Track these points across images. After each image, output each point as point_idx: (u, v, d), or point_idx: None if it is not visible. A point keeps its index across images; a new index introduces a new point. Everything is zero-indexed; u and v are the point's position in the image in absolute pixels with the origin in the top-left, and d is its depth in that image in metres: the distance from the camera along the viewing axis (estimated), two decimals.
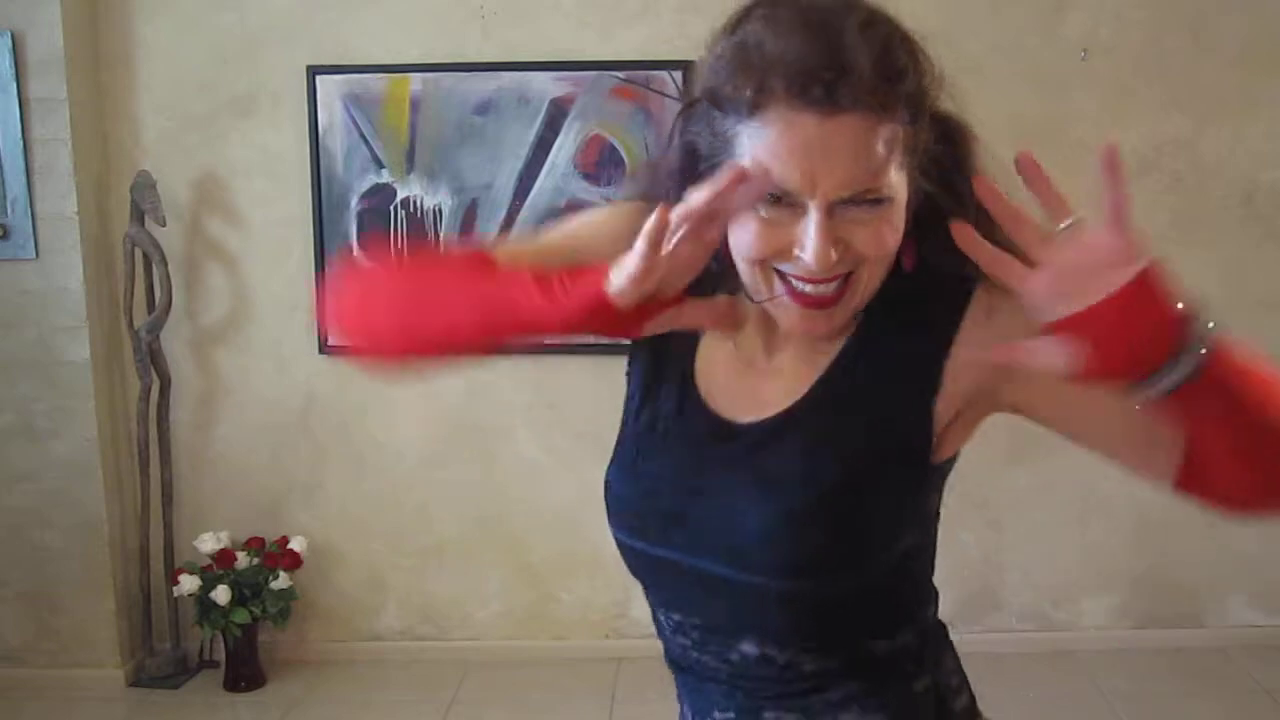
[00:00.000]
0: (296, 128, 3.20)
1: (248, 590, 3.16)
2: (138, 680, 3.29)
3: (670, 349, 1.07)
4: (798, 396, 1.00)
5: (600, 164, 3.17)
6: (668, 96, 3.14)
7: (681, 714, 1.20)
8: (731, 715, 1.08)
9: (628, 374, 1.15)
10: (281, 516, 3.36)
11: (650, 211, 0.86)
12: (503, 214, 3.20)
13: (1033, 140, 3.37)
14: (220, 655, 3.27)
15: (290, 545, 3.26)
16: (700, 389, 1.05)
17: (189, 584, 3.15)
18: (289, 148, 3.22)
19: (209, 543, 3.20)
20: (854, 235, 0.89)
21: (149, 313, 3.19)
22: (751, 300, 0.97)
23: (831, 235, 0.87)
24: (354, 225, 3.22)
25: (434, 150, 3.19)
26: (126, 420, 3.31)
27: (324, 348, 3.28)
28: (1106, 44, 3.15)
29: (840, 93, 0.85)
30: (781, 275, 0.92)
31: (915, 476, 0.99)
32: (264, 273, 3.29)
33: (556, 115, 3.16)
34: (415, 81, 3.16)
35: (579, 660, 3.35)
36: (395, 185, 3.21)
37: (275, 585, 3.17)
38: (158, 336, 3.20)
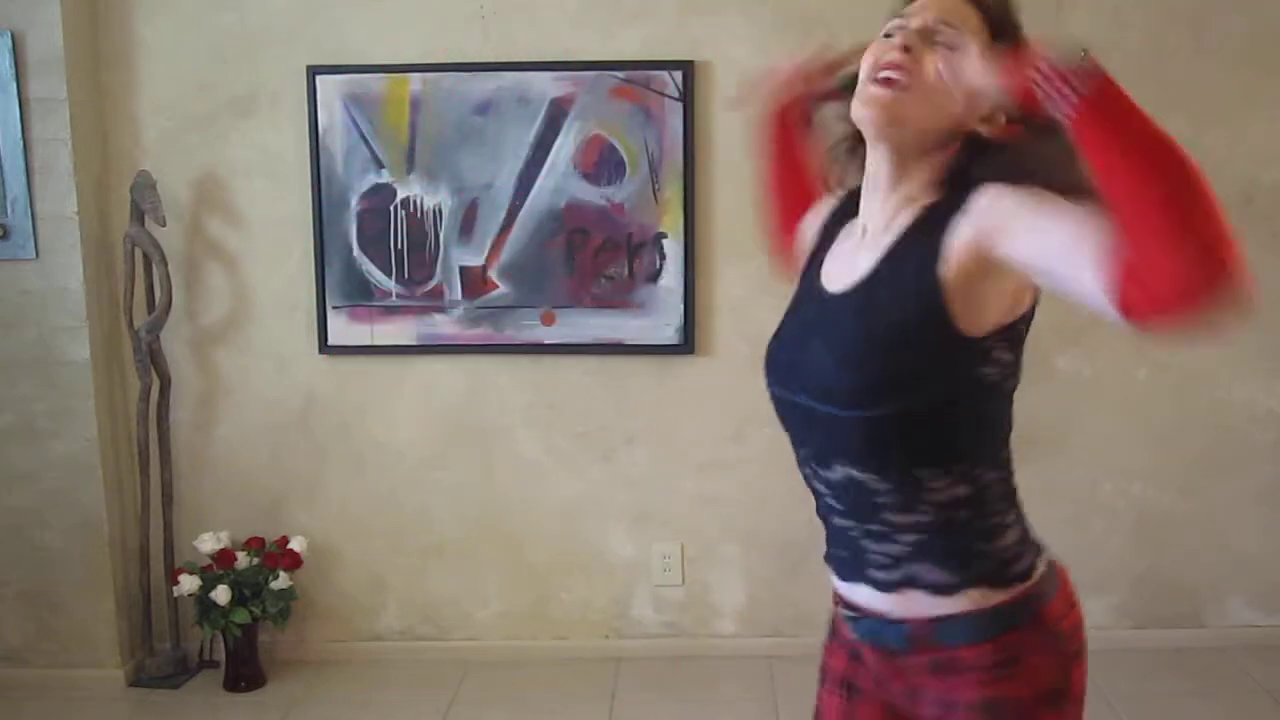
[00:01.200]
0: (296, 128, 3.20)
1: (248, 590, 3.16)
2: (138, 680, 3.29)
3: (817, 245, 1.43)
4: (868, 271, 1.29)
5: (600, 164, 3.17)
6: (668, 96, 3.14)
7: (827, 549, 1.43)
8: (846, 551, 1.37)
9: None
10: (281, 516, 3.36)
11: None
12: (503, 214, 3.20)
13: None
14: (220, 655, 3.27)
15: (290, 545, 3.26)
16: (823, 269, 1.39)
17: (189, 584, 3.15)
18: (289, 148, 3.22)
19: (209, 543, 3.20)
20: (923, 54, 1.25)
21: (149, 313, 3.19)
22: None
23: (911, 42, 1.26)
24: (354, 225, 3.22)
25: (434, 150, 3.19)
26: (126, 420, 3.31)
27: (324, 348, 3.28)
28: (1106, 44, 3.15)
29: None
30: (863, 85, 1.29)
31: (945, 336, 1.22)
32: (264, 273, 3.29)
33: (556, 115, 3.16)
34: (415, 81, 3.16)
35: (579, 660, 3.35)
36: (395, 185, 3.21)
37: (275, 585, 3.17)
38: (158, 336, 3.20)
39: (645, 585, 3.41)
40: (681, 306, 3.23)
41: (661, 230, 3.20)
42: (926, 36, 1.26)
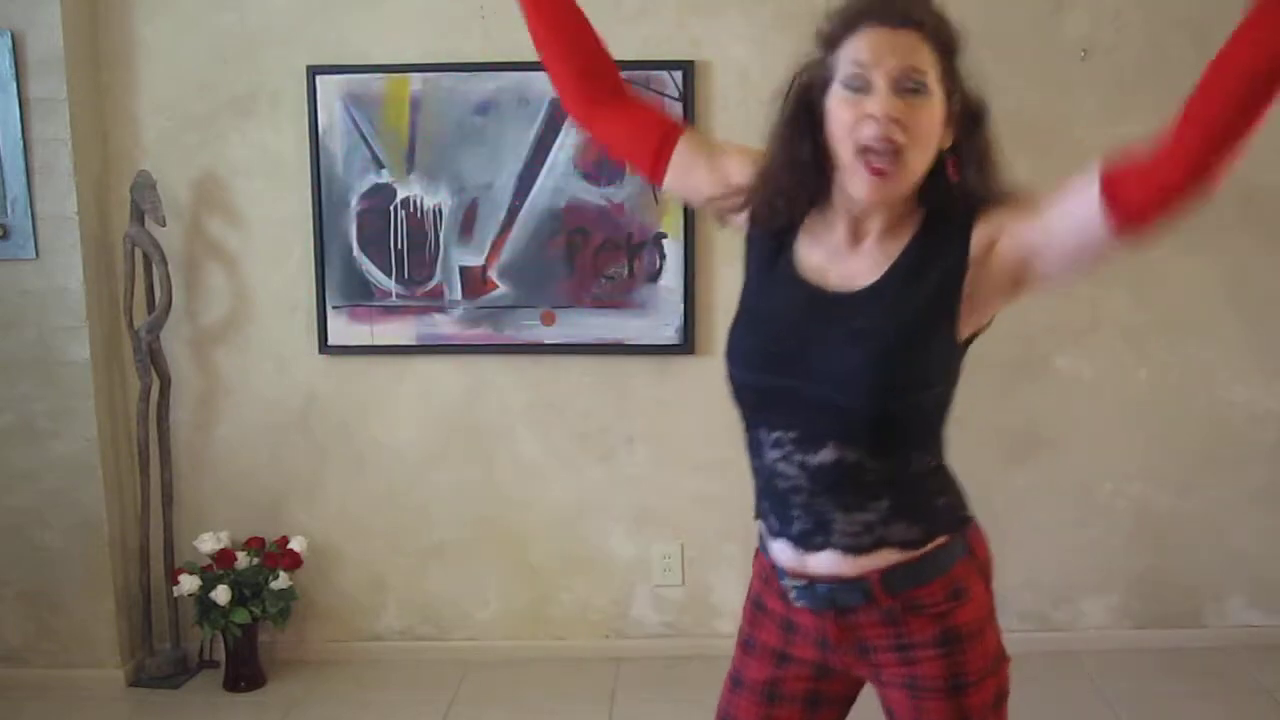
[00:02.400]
0: (296, 128, 3.20)
1: (248, 590, 3.16)
2: (138, 680, 3.29)
3: (778, 245, 1.49)
4: (879, 276, 1.41)
5: (600, 164, 3.17)
6: (668, 96, 3.14)
7: (765, 540, 1.55)
8: (810, 524, 1.44)
9: (745, 263, 1.56)
10: (281, 516, 3.36)
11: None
12: (503, 214, 3.20)
13: (1033, 140, 3.40)
14: (220, 655, 3.27)
15: (290, 545, 3.26)
16: (801, 270, 1.46)
17: (189, 584, 3.15)
18: (289, 148, 3.22)
19: (209, 543, 3.20)
20: (904, 115, 1.33)
21: (149, 313, 3.19)
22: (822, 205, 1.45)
23: (890, 103, 1.33)
24: (354, 225, 3.22)
25: (434, 150, 3.19)
26: (126, 420, 3.31)
27: (324, 348, 3.28)
28: (1106, 44, 3.15)
29: (901, 17, 1.34)
30: (861, 154, 1.34)
31: (950, 339, 1.42)
32: (264, 273, 3.29)
33: (556, 115, 3.16)
34: (415, 81, 3.16)
35: (579, 660, 3.35)
36: (395, 185, 3.21)
37: (275, 585, 3.17)
38: (158, 336, 3.20)
39: (645, 585, 3.41)
40: (681, 306, 3.22)
41: (661, 230, 3.20)
42: (897, 85, 1.34)
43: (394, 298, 3.26)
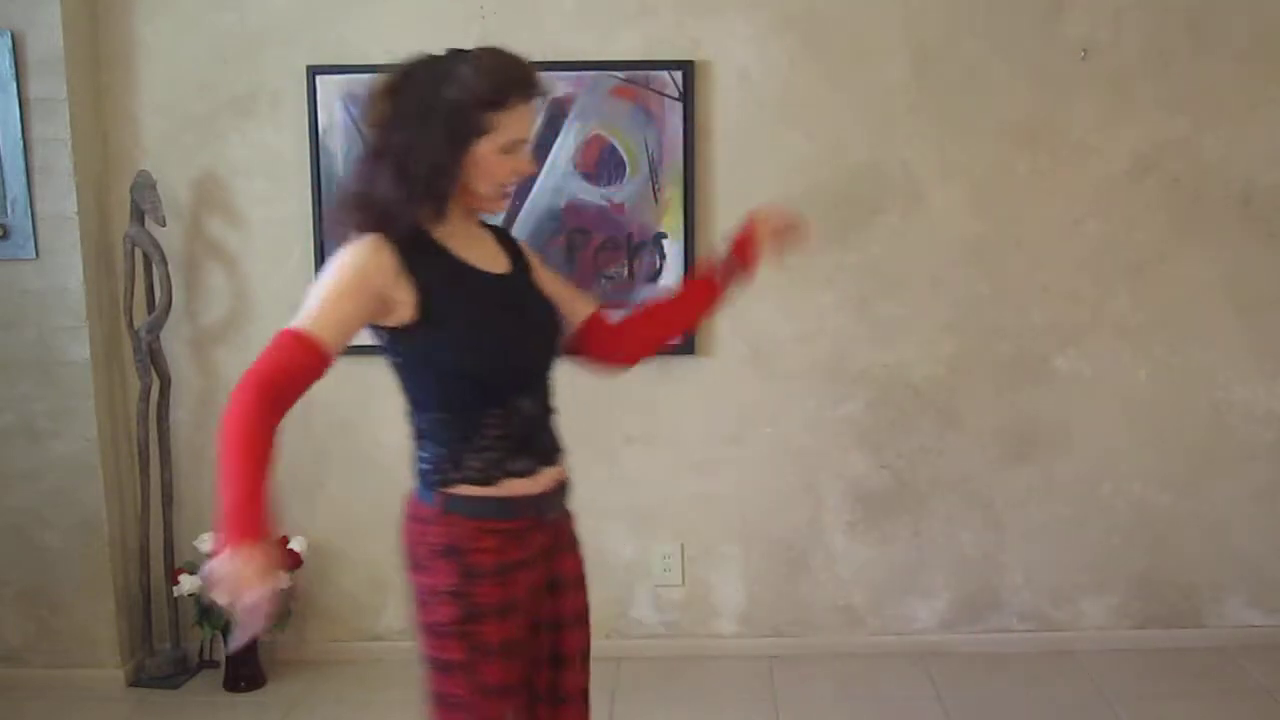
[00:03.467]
0: (296, 128, 3.20)
1: None
2: (138, 680, 3.29)
3: (443, 263, 1.72)
4: (508, 259, 1.85)
5: (600, 164, 3.17)
6: (668, 96, 3.14)
7: (508, 500, 1.79)
8: (548, 443, 1.88)
9: (433, 298, 1.69)
10: (281, 516, 3.36)
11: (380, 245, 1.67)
12: (503, 214, 3.20)
13: (1033, 140, 3.39)
14: (220, 655, 3.27)
15: (290, 545, 3.26)
16: (478, 266, 1.76)
17: (189, 584, 3.15)
18: (289, 148, 3.22)
19: (209, 543, 3.20)
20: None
21: (149, 313, 3.19)
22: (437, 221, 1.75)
23: (529, 155, 1.76)
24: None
25: None
26: (126, 420, 3.31)
27: None
28: (1106, 44, 3.15)
29: (539, 90, 1.74)
30: (501, 189, 1.74)
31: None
32: (264, 273, 3.29)
33: (556, 115, 3.16)
34: None
35: None
36: None
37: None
38: (158, 336, 3.20)
39: (645, 585, 3.41)
40: None
41: (661, 230, 3.20)
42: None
43: None
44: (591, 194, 3.19)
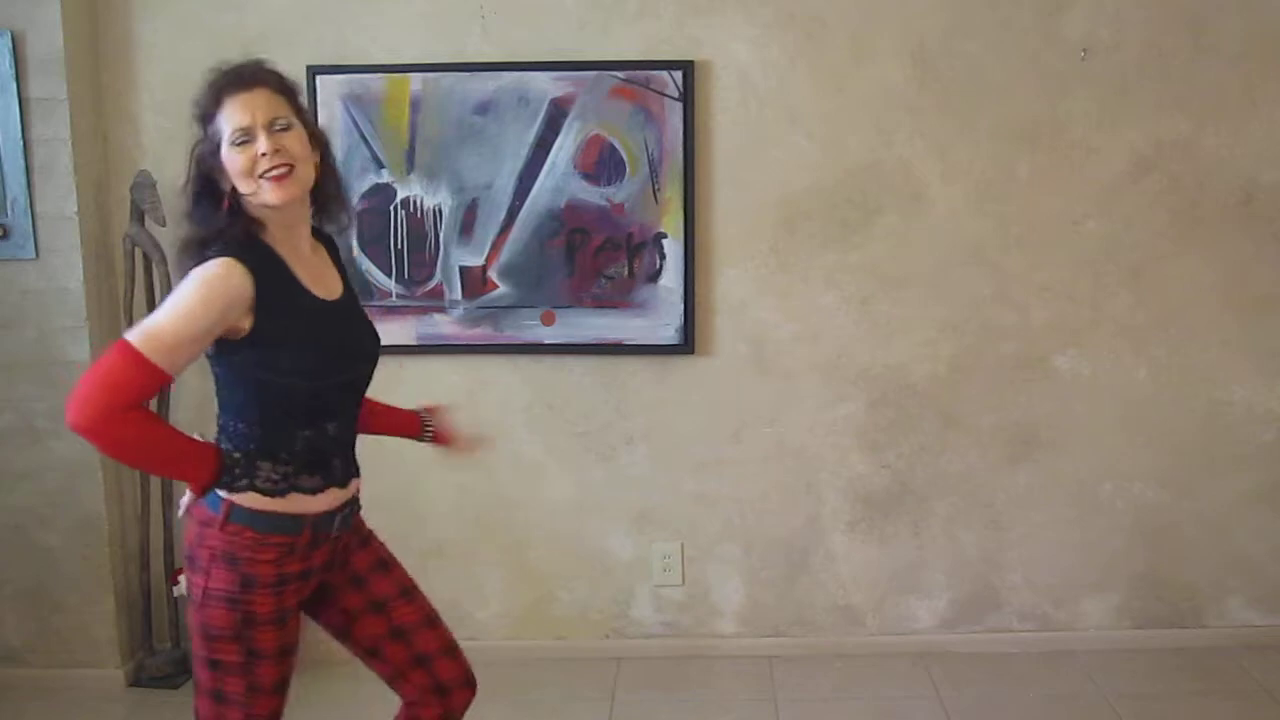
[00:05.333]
0: None
1: None
2: (138, 680, 3.29)
3: (281, 286, 1.82)
4: (343, 284, 1.98)
5: (600, 164, 3.17)
6: (668, 96, 3.14)
7: (290, 517, 1.85)
8: (344, 463, 1.94)
9: (267, 315, 1.78)
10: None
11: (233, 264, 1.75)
12: (503, 214, 3.21)
13: (1033, 140, 3.39)
14: None
15: None
16: (314, 292, 1.87)
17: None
18: None
19: None
20: (281, 142, 1.79)
21: (149, 313, 3.18)
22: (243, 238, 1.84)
23: (271, 140, 1.78)
24: (354, 225, 3.22)
25: (434, 150, 3.19)
26: None
27: None
28: (1106, 44, 3.15)
29: (250, 80, 1.80)
30: (260, 176, 1.78)
31: None
32: None
33: (556, 115, 3.16)
34: (415, 81, 3.16)
35: (579, 660, 3.35)
36: (395, 185, 3.21)
37: None
38: None
39: (645, 585, 3.41)
40: (681, 306, 3.23)
41: (661, 230, 3.20)
42: (270, 128, 1.78)
43: (394, 298, 3.26)
44: (591, 194, 3.19)
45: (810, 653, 3.37)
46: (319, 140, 1.90)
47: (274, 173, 1.77)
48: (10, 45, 3.01)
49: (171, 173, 3.20)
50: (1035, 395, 3.30)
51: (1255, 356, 3.29)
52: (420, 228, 3.22)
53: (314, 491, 1.86)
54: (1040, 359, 3.29)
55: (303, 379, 1.82)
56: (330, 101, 3.17)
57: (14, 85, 3.03)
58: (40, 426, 3.17)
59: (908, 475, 3.34)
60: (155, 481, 3.28)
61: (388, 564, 2.10)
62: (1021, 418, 3.32)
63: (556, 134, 3.17)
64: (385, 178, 3.21)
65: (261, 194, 1.78)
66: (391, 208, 3.22)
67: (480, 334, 3.27)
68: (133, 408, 1.72)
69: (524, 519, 3.38)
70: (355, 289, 2.03)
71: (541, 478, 3.36)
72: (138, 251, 3.16)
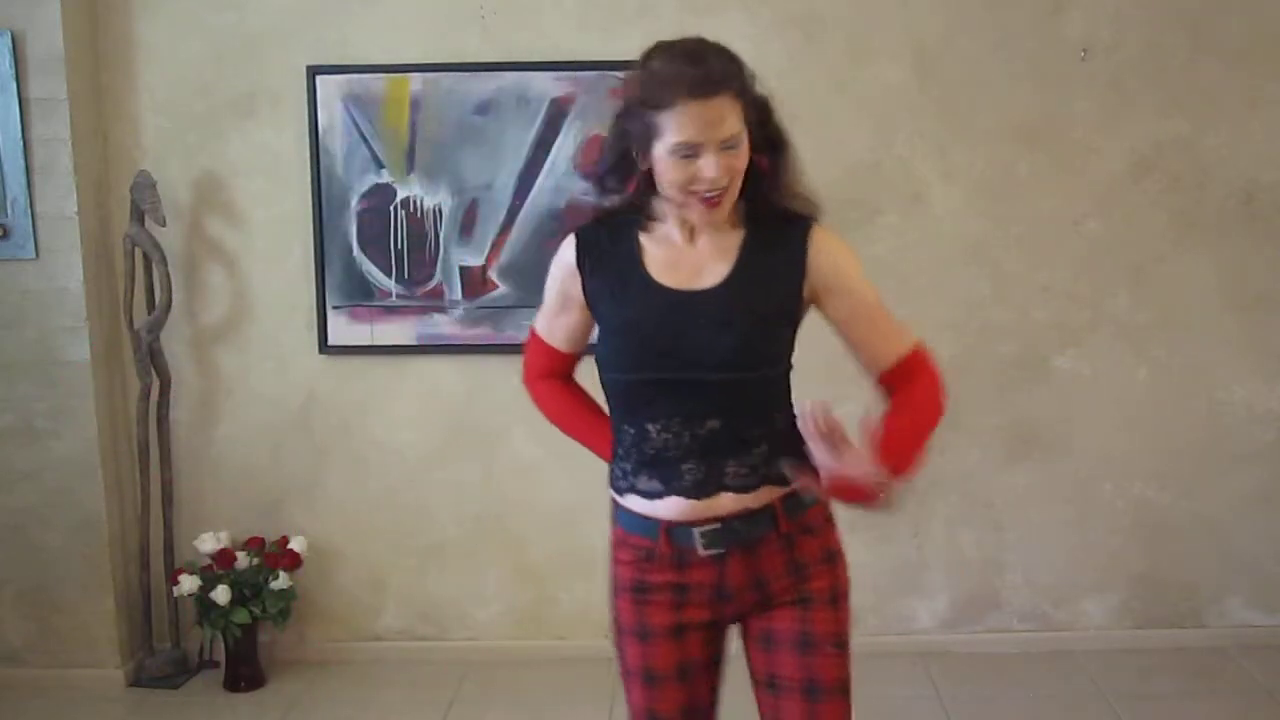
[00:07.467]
0: (296, 128, 3.20)
1: (248, 590, 3.16)
2: (138, 680, 3.29)
3: (626, 267, 1.70)
4: (728, 272, 1.66)
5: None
6: None
7: (644, 491, 1.71)
8: (701, 473, 1.65)
9: (596, 298, 1.74)
10: (281, 516, 3.36)
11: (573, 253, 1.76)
12: (503, 214, 3.21)
13: (1033, 140, 3.39)
14: (220, 655, 3.27)
15: (290, 545, 3.26)
16: (657, 278, 1.67)
17: (189, 584, 3.15)
18: (289, 148, 3.22)
19: (209, 543, 3.20)
20: (730, 162, 1.58)
21: (149, 313, 3.19)
22: (652, 220, 1.71)
23: (721, 161, 1.57)
24: (354, 225, 3.23)
25: (434, 150, 3.19)
26: (126, 420, 3.31)
27: (324, 348, 3.28)
28: (1106, 44, 3.15)
29: (714, 88, 1.56)
30: (693, 193, 1.59)
31: (793, 321, 1.72)
32: (264, 272, 3.29)
33: (556, 115, 3.16)
34: (415, 81, 3.16)
35: (579, 660, 3.35)
36: (395, 185, 3.21)
37: (275, 585, 3.17)
38: (158, 336, 3.20)
39: None
40: None
41: None
42: (721, 147, 1.57)
43: (394, 298, 3.26)
44: (592, 194, 3.18)
45: None
46: (763, 110, 1.65)
47: (711, 195, 1.58)
48: (10, 45, 3.01)
49: (171, 173, 3.22)
50: (1035, 395, 3.30)
51: (1255, 356, 3.29)
52: (420, 228, 3.22)
53: (651, 496, 1.68)
54: (1040, 359, 3.29)
55: (607, 369, 1.68)
56: (330, 101, 3.17)
57: (14, 85, 3.03)
58: (40, 426, 3.17)
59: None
60: (155, 481, 3.28)
61: (811, 644, 1.74)
62: (1021, 418, 3.31)
63: (556, 134, 3.17)
64: (385, 178, 3.21)
65: (689, 209, 1.61)
66: (391, 208, 3.22)
67: (480, 334, 3.27)
68: (541, 379, 1.93)
69: (524, 519, 3.38)
70: (755, 284, 1.67)
71: (541, 478, 3.35)
72: (138, 251, 3.16)
